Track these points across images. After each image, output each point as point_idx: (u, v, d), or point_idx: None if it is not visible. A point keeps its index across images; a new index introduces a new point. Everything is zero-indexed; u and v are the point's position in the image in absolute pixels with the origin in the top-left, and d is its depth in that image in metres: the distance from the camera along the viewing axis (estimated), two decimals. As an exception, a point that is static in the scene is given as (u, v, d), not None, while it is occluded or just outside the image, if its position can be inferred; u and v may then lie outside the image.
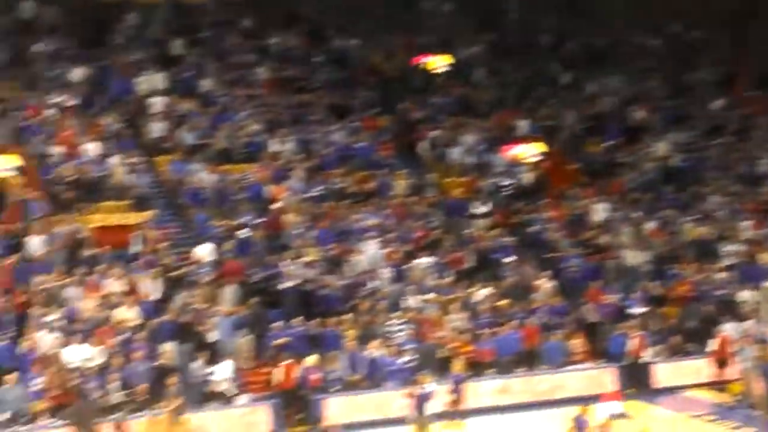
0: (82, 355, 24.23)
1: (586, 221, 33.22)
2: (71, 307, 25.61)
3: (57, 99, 32.66)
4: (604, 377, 27.18)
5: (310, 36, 38.99)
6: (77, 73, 34.01)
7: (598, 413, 19.06)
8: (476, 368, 26.69)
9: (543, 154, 34.30)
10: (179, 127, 33.23)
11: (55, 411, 23.04)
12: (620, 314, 29.20)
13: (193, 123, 33.32)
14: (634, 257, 31.48)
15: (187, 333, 25.71)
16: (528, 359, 27.63)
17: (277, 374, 24.98)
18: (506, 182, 34.09)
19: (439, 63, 37.55)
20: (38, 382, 23.34)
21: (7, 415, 22.89)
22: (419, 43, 39.12)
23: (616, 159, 36.57)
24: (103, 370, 24.10)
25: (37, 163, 30.76)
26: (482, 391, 26.12)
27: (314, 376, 24.97)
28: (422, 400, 21.88)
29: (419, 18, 40.94)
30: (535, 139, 34.99)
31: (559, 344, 27.77)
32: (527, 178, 34.51)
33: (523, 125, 36.89)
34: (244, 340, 26.33)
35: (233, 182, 31.59)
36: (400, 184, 33.14)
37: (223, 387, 24.70)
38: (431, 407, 22.12)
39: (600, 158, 36.60)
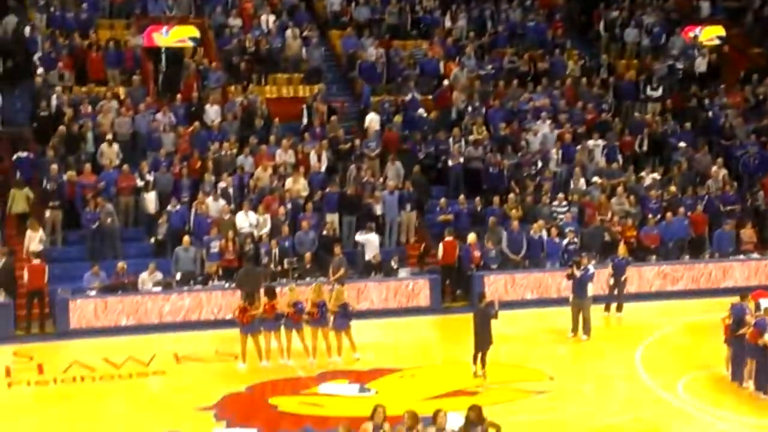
0: (252, 221, 25.12)
1: (765, 109, 31.93)
2: (244, 175, 26.45)
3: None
4: (773, 269, 26.52)
5: None
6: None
7: (759, 304, 18.62)
8: (640, 253, 26.41)
9: (724, 37, 32.94)
10: (353, 2, 33.37)
11: (225, 274, 24.05)
12: (794, 207, 28.27)
13: (366, -2, 33.39)
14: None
15: (352, 205, 26.25)
16: (694, 247, 27.17)
17: (439, 250, 25.31)
18: (683, 65, 33.00)
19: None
20: (211, 246, 24.35)
21: (180, 275, 24.01)
22: None
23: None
24: (271, 237, 24.94)
25: (216, 35, 31.56)
26: (645, 276, 25.88)
27: (475, 254, 25.19)
28: (583, 281, 21.75)
29: None
30: (717, 22, 33.60)
31: (727, 233, 27.10)
32: (705, 62, 33.29)
33: (705, 7, 35.46)
34: (407, 215, 26.69)
35: (405, 58, 31.63)
36: (573, 64, 32.53)
37: (385, 259, 25.20)
38: (591, 289, 22.00)
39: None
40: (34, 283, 22.88)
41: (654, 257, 26.50)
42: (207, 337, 22.08)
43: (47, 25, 30.28)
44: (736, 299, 18.97)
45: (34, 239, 23.86)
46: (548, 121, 29.61)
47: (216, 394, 18.02)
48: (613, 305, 23.78)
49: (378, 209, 26.39)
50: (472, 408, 12.93)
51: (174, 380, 19.33)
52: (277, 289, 20.56)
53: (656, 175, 28.66)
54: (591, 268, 22.08)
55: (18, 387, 18.95)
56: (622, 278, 23.79)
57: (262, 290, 20.56)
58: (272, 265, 24.38)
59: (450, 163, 28.12)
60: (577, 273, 21.74)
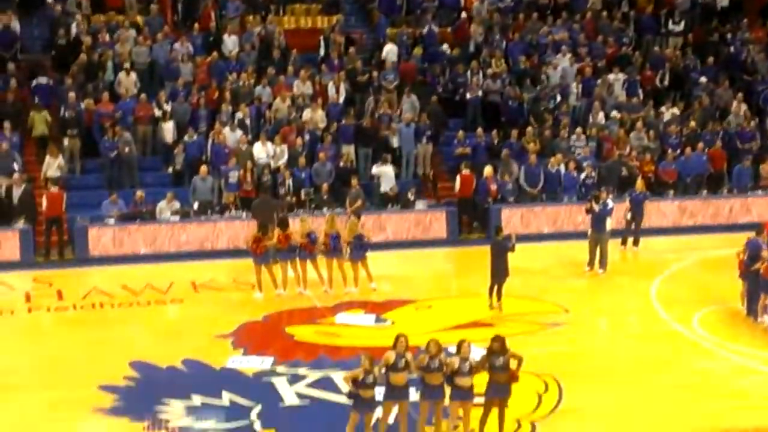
0: (269, 152, 25.12)
1: (788, 44, 31.63)
2: (261, 105, 26.38)
3: None
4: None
5: None
6: None
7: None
8: (658, 188, 26.34)
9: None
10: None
11: (243, 204, 24.12)
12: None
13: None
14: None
15: (368, 137, 26.19)
16: (713, 182, 27.06)
17: (456, 182, 25.30)
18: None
19: None
20: (229, 176, 24.39)
21: (198, 204, 24.13)
22: None
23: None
24: (288, 168, 24.95)
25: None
26: (663, 211, 25.86)
27: (492, 186, 25.18)
28: (602, 215, 21.67)
29: None
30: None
31: (746, 168, 26.97)
32: (728, -5, 32.91)
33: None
34: (423, 147, 26.63)
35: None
36: (593, -4, 32.18)
37: (401, 191, 25.21)
38: (610, 224, 21.95)
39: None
40: (53, 211, 23.05)
41: (672, 192, 26.44)
42: (225, 266, 22.25)
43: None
44: (752, 234, 18.93)
45: (53, 165, 24.02)
46: (568, 55, 29.37)
47: (233, 323, 18.17)
48: (630, 239, 23.78)
49: (394, 141, 26.36)
50: (495, 338, 12.98)
51: (192, 308, 19.51)
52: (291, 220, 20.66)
53: (676, 111, 28.48)
54: (610, 203, 21.95)
55: (37, 312, 19.17)
56: (640, 213, 23.77)
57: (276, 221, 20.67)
58: (289, 197, 24.46)
59: (468, 96, 27.99)
60: (596, 207, 21.63)
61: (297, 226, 20.22)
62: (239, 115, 25.93)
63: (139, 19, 28.63)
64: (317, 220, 21.54)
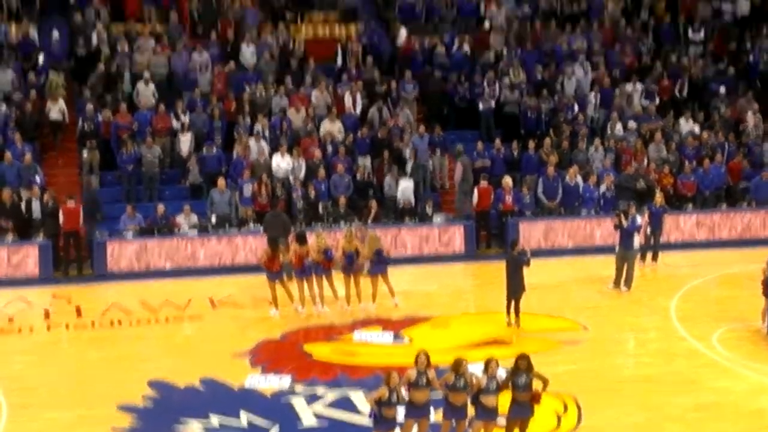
0: (286, 164, 25.10)
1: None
2: (279, 117, 26.36)
3: None
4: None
5: None
6: None
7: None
8: (676, 201, 26.21)
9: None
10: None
11: (259, 217, 24.10)
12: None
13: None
14: None
15: (383, 149, 26.08)
16: (732, 195, 26.91)
17: (473, 195, 25.21)
18: (725, 7, 32.40)
19: None
20: (243, 189, 24.41)
21: (216, 218, 24.14)
22: None
23: None
24: (306, 180, 24.93)
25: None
26: (681, 225, 25.72)
27: (509, 199, 25.10)
28: (630, 231, 21.39)
29: None
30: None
31: (766, 181, 26.77)
32: (747, 4, 32.64)
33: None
34: (440, 160, 26.52)
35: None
36: (611, 5, 31.99)
37: (418, 205, 25.15)
38: (638, 241, 21.70)
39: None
40: (70, 225, 23.10)
41: (690, 205, 26.30)
42: (243, 282, 22.22)
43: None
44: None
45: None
46: (585, 65, 29.23)
47: (251, 340, 18.16)
48: (649, 254, 23.61)
49: (408, 153, 26.22)
50: (521, 357, 12.90)
51: (210, 325, 19.47)
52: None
53: (696, 127, 28.22)
54: (638, 219, 21.63)
55: (56, 330, 19.17)
56: (659, 227, 23.62)
57: (291, 236, 20.59)
58: (305, 209, 24.41)
59: (481, 106, 27.87)
60: (625, 223, 21.36)
61: (313, 241, 20.14)
62: (258, 126, 25.87)
63: (159, 28, 28.63)
64: (334, 232, 21.46)
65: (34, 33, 27.58)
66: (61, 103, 25.65)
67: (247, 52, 28.18)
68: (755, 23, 32.27)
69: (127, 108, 25.80)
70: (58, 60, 27.01)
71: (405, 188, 25.20)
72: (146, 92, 26.33)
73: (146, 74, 26.54)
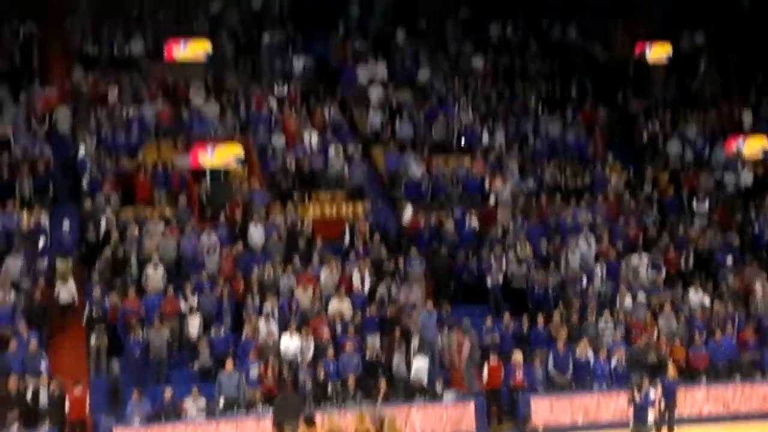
0: (295, 345, 24.99)
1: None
2: (287, 297, 26.38)
3: (280, 89, 33.63)
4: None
5: (528, 25, 38.62)
6: (300, 64, 34.94)
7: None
8: (689, 374, 25.91)
9: (768, 149, 32.72)
10: (395, 118, 33.55)
11: (268, 399, 23.84)
12: None
13: (409, 114, 33.52)
14: None
15: (393, 327, 25.97)
16: (745, 367, 26.60)
17: (483, 373, 25.00)
18: (728, 179, 32.78)
19: (659, 53, 35.99)
20: (250, 371, 24.20)
21: (224, 401, 23.86)
22: (639, 32, 37.92)
23: None
24: (314, 361, 24.77)
25: (259, 153, 31.74)
26: (695, 398, 25.34)
27: (520, 375, 24.86)
28: (644, 406, 21.06)
29: (640, 5, 39.77)
30: (761, 133, 33.42)
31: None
32: (751, 175, 33.06)
33: (747, 118, 35.35)
34: (448, 336, 26.40)
35: (447, 175, 31.61)
36: (615, 179, 32.41)
37: (428, 383, 24.88)
38: (652, 415, 21.39)
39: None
40: (76, 414, 22.77)
41: (704, 378, 25.99)
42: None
43: (96, 148, 30.56)
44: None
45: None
46: (588, 238, 29.35)
47: None
48: (664, 429, 23.21)
49: (416, 331, 26.11)
50: None
51: None
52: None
53: (705, 298, 28.14)
54: (652, 393, 21.44)
55: None
56: (673, 401, 23.30)
57: (300, 419, 20.35)
58: (314, 390, 24.17)
59: (489, 283, 27.93)
60: (638, 397, 21.07)
61: (324, 423, 19.86)
62: (267, 306, 25.88)
63: (168, 211, 28.94)
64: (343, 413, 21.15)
65: (45, 221, 27.85)
66: (71, 285, 25.78)
67: (255, 233, 28.38)
68: (759, 193, 32.52)
69: (135, 291, 25.87)
70: (69, 251, 27.25)
71: (419, 368, 24.88)
72: (155, 276, 26.41)
73: (155, 258, 26.66)
